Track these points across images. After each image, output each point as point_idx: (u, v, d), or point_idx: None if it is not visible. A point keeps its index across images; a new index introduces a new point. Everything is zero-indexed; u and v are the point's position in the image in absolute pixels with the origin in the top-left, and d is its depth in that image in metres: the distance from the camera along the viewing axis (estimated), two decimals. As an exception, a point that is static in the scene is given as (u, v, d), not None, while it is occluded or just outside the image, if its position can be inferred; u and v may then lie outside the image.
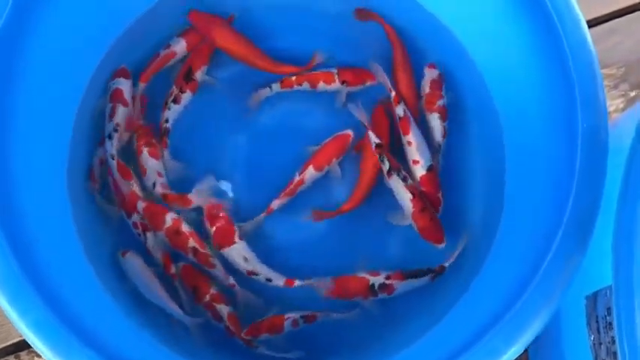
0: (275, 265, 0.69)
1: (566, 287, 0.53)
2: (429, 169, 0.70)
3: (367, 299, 0.68)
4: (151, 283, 0.66)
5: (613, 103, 0.86)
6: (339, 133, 0.72)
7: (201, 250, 0.67)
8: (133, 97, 0.72)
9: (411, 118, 0.71)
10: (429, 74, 0.73)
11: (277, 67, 0.74)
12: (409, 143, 0.70)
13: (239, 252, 0.68)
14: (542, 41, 0.61)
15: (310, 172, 0.71)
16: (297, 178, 0.71)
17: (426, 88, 0.73)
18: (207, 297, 0.67)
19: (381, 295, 0.68)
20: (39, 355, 0.52)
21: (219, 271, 0.68)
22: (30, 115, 0.61)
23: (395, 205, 0.70)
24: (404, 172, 0.69)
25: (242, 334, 0.66)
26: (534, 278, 0.53)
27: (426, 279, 0.68)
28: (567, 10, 0.59)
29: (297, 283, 0.68)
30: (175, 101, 0.73)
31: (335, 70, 0.73)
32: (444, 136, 0.72)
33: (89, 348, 0.52)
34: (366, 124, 0.71)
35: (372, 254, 0.71)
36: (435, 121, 0.72)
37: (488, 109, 0.69)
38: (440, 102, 0.72)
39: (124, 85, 0.72)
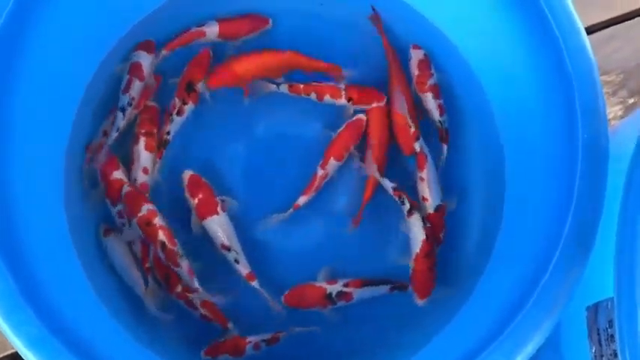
0: (270, 274, 0.69)
1: (568, 300, 0.53)
2: (437, 209, 0.70)
3: (326, 308, 0.68)
4: (129, 268, 0.66)
5: (612, 110, 0.85)
6: (352, 119, 0.72)
7: (170, 246, 0.66)
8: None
9: (429, 156, 0.71)
10: (415, 55, 0.73)
11: (313, 63, 0.73)
12: (421, 179, 0.70)
13: (220, 223, 0.68)
14: (541, 50, 0.60)
15: (332, 164, 0.71)
16: (320, 172, 0.71)
17: (415, 70, 0.73)
18: (179, 287, 0.67)
19: (340, 303, 0.68)
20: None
21: (184, 271, 0.66)
22: (28, 118, 0.61)
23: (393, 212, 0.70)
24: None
25: (203, 354, 0.66)
26: (535, 290, 0.53)
27: (384, 288, 0.68)
28: (566, 18, 0.58)
29: (255, 283, 0.67)
30: (179, 113, 0.72)
31: (343, 86, 0.73)
32: (442, 114, 0.72)
33: None
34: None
35: (367, 262, 0.71)
36: (430, 101, 0.72)
37: (487, 120, 0.69)
38: (430, 81, 0.72)
39: (145, 60, 0.71)
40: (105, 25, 0.69)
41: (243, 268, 0.67)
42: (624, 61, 0.87)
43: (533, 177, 0.62)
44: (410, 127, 0.71)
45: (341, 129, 0.72)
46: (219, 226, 0.68)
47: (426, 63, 0.73)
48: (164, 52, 0.73)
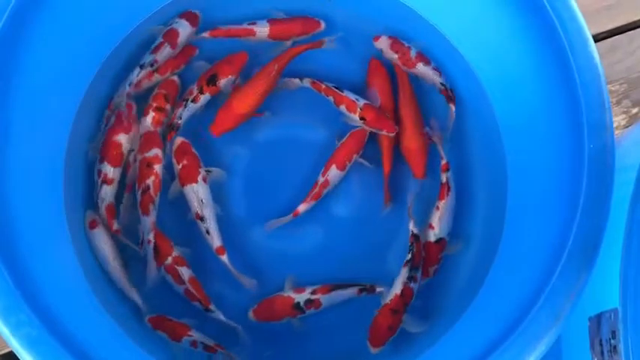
0: (270, 275, 0.69)
1: (571, 310, 0.52)
2: (438, 241, 0.69)
3: (295, 317, 0.68)
4: (113, 262, 0.65)
5: (615, 120, 0.85)
6: (355, 129, 0.72)
7: (151, 193, 0.67)
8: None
9: (453, 187, 0.70)
10: (383, 44, 0.73)
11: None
12: (437, 208, 0.69)
13: (197, 193, 0.68)
14: (548, 60, 0.60)
15: (334, 172, 0.71)
16: (321, 180, 0.71)
17: (392, 55, 0.73)
18: (170, 259, 0.66)
19: (309, 312, 0.67)
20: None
21: (148, 223, 0.66)
22: (27, 117, 0.60)
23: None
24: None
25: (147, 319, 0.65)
26: (538, 300, 0.53)
27: (353, 291, 0.68)
28: (575, 28, 0.58)
29: (225, 257, 0.67)
30: (194, 100, 0.71)
31: (361, 104, 0.71)
32: (440, 75, 0.72)
33: None
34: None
35: (370, 266, 0.71)
36: (424, 70, 0.72)
37: (491, 127, 0.68)
38: (412, 53, 0.72)
39: (183, 30, 0.71)
40: (108, 25, 0.69)
41: (214, 241, 0.68)
42: (627, 71, 0.87)
43: (537, 186, 0.61)
44: (424, 153, 0.71)
45: (345, 138, 0.72)
46: (195, 195, 0.68)
47: (397, 42, 0.73)
48: (206, 35, 0.72)
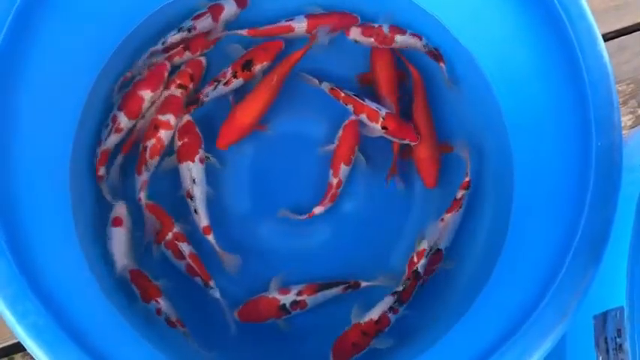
0: (273, 272, 0.69)
1: (577, 309, 0.52)
2: (435, 252, 0.68)
3: (280, 318, 0.68)
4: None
5: (621, 120, 0.85)
6: (346, 122, 0.72)
7: (147, 155, 0.68)
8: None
9: (464, 206, 0.69)
10: (355, 32, 0.73)
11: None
12: (442, 220, 0.69)
13: (191, 171, 0.69)
14: (556, 57, 0.60)
15: (344, 170, 0.71)
16: (334, 181, 0.71)
17: (368, 39, 0.72)
18: (170, 235, 0.67)
19: (294, 313, 0.67)
20: (33, 359, 0.52)
21: (140, 179, 0.68)
22: (32, 116, 0.60)
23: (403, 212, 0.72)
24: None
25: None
26: (544, 298, 0.53)
27: (338, 289, 0.68)
28: (585, 27, 0.58)
29: (211, 237, 0.67)
30: (226, 84, 0.72)
31: (383, 113, 0.70)
32: (420, 39, 0.72)
33: (88, 355, 0.51)
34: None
35: (374, 263, 0.71)
36: (402, 40, 0.72)
37: (498, 124, 0.68)
38: (385, 29, 0.72)
39: (229, 8, 0.72)
40: (110, 24, 0.68)
41: (201, 220, 0.68)
42: (635, 72, 0.87)
43: (544, 183, 0.61)
44: (436, 162, 0.71)
45: (340, 134, 0.72)
46: (189, 173, 0.69)
47: (367, 26, 0.73)
48: (245, 32, 0.73)
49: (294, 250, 0.72)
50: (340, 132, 0.72)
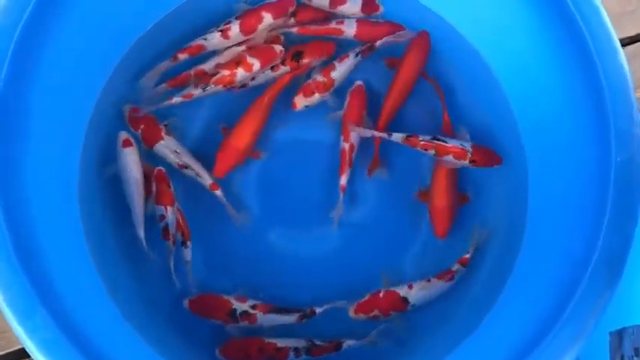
0: (281, 281, 0.69)
1: (594, 326, 0.51)
2: (404, 300, 0.67)
3: (227, 324, 0.67)
4: (137, 186, 0.68)
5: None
6: (352, 88, 0.72)
7: (219, 82, 0.69)
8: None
9: (454, 281, 0.68)
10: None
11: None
12: (428, 281, 0.68)
13: (169, 146, 0.70)
14: (575, 69, 0.59)
15: (354, 135, 0.71)
16: (346, 146, 0.70)
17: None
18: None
19: (242, 324, 0.67)
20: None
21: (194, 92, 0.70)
22: (43, 120, 0.60)
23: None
24: None
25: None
26: (560, 319, 0.52)
27: (292, 317, 0.67)
28: (605, 36, 0.57)
29: (219, 192, 0.69)
30: (273, 69, 0.72)
31: (469, 148, 0.68)
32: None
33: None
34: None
35: (387, 269, 0.70)
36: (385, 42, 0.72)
37: (512, 136, 0.67)
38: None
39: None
40: (124, 24, 0.68)
41: (205, 180, 0.70)
42: (649, 79, 0.86)
43: (560, 198, 0.60)
44: (451, 213, 0.70)
45: (347, 100, 0.72)
46: (168, 149, 0.70)
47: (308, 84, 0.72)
48: (296, 30, 0.73)
49: (305, 256, 0.72)
50: (347, 98, 0.72)
